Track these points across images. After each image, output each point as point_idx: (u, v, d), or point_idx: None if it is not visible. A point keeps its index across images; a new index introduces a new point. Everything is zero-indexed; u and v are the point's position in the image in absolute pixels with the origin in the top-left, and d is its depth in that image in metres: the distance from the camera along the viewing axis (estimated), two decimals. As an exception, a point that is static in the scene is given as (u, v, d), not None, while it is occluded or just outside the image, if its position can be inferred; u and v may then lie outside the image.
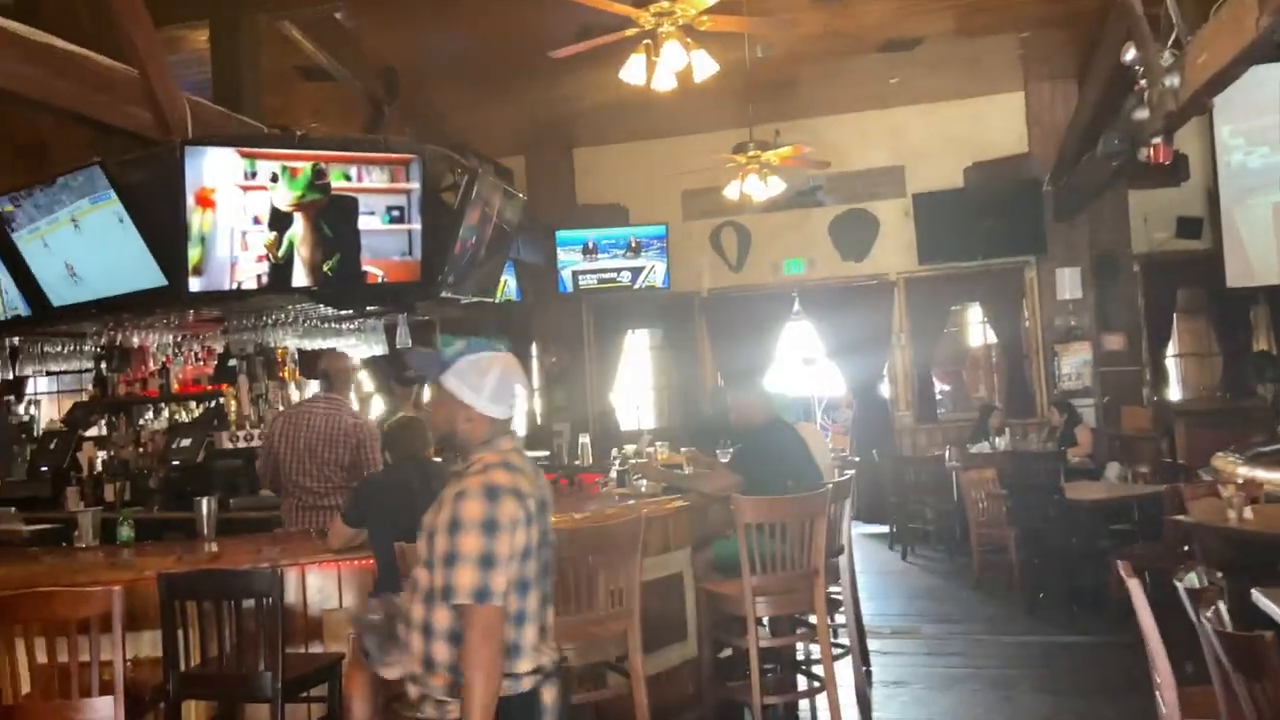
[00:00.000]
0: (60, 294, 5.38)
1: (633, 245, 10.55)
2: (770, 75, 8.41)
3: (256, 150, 4.92)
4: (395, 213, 5.05)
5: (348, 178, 4.89)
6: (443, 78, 8.70)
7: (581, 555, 3.49)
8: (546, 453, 8.38)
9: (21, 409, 6.97)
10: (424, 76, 8.44)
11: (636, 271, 10.50)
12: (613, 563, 3.59)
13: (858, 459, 7.74)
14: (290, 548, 3.63)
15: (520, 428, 3.53)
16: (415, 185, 5.06)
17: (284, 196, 4.86)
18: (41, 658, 3.03)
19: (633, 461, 5.50)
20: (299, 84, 8.36)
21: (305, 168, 4.76)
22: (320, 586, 3.66)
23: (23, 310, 5.62)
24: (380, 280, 5.06)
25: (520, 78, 8.65)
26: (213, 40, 5.84)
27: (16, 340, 6.32)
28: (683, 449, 6.24)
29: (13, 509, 4.32)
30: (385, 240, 5.03)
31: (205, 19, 5.97)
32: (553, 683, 2.25)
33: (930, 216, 9.81)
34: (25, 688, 3.05)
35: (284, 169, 4.84)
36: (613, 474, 5.36)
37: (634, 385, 11.42)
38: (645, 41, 5.27)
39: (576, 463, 6.71)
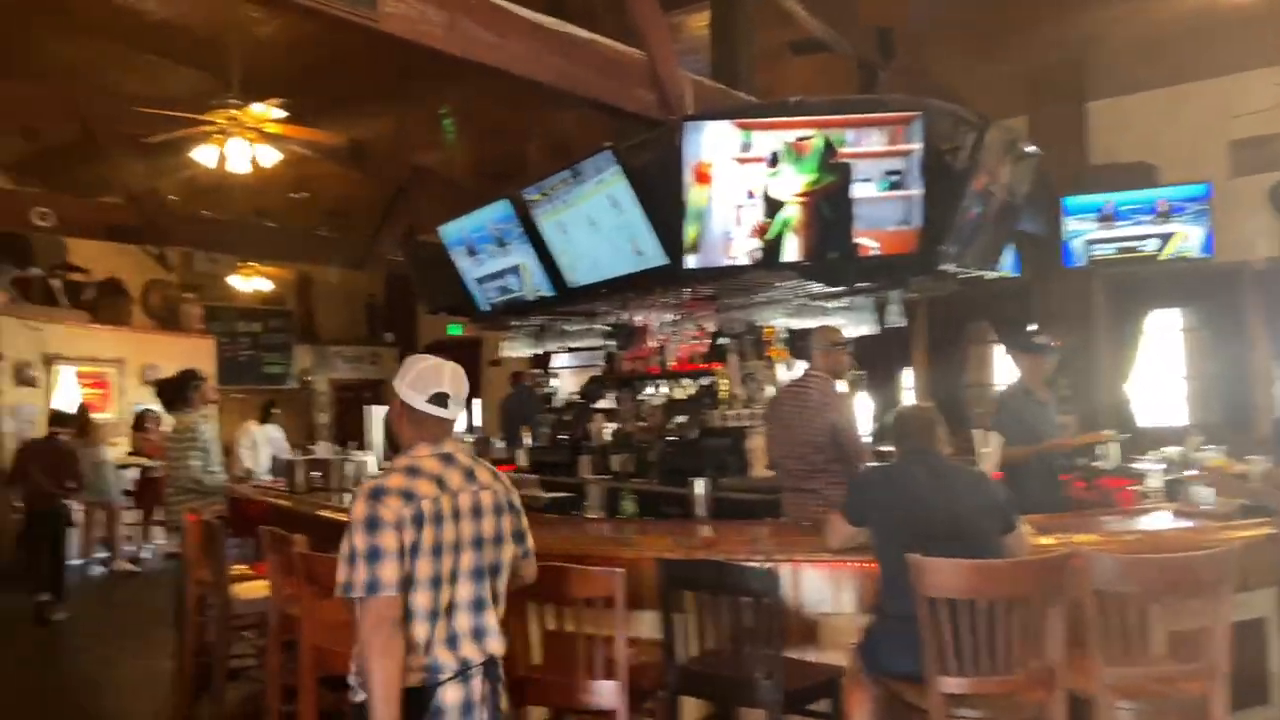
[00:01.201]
0: (576, 275, 5.77)
1: (1160, 209, 8.89)
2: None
3: (753, 121, 4.77)
4: (893, 178, 4.59)
5: (843, 143, 4.54)
6: (934, 38, 8.01)
7: (1136, 587, 2.74)
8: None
9: (545, 382, 7.74)
10: (915, 37, 7.84)
11: (1164, 239, 8.85)
12: (1184, 602, 2.78)
13: None
14: (785, 540, 3.36)
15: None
16: (917, 146, 4.56)
17: (789, 184, 4.65)
18: (552, 625, 3.08)
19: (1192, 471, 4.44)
20: (788, 61, 8.23)
21: (813, 143, 4.49)
22: (817, 587, 3.34)
23: (547, 291, 6.15)
24: (874, 253, 4.65)
25: (1020, 27, 7.66)
26: (713, 17, 5.85)
27: (542, 319, 6.95)
28: (1249, 457, 4.94)
29: (535, 476, 4.64)
30: (881, 209, 4.61)
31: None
32: (458, 685, 2.30)
33: None
34: (536, 654, 3.13)
35: (787, 148, 4.63)
36: (1154, 481, 4.37)
37: (1155, 374, 9.68)
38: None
39: (1097, 464, 5.68)
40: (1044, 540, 3.24)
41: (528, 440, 6.97)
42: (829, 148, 4.53)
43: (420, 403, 2.42)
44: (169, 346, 12.02)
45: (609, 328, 6.80)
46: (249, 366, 14.30)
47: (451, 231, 6.65)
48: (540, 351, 7.57)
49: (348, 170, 10.16)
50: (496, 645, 2.41)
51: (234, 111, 6.75)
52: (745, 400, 5.46)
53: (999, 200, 4.99)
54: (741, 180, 4.80)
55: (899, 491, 3.00)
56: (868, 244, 4.61)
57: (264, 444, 10.27)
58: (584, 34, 4.57)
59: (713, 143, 4.77)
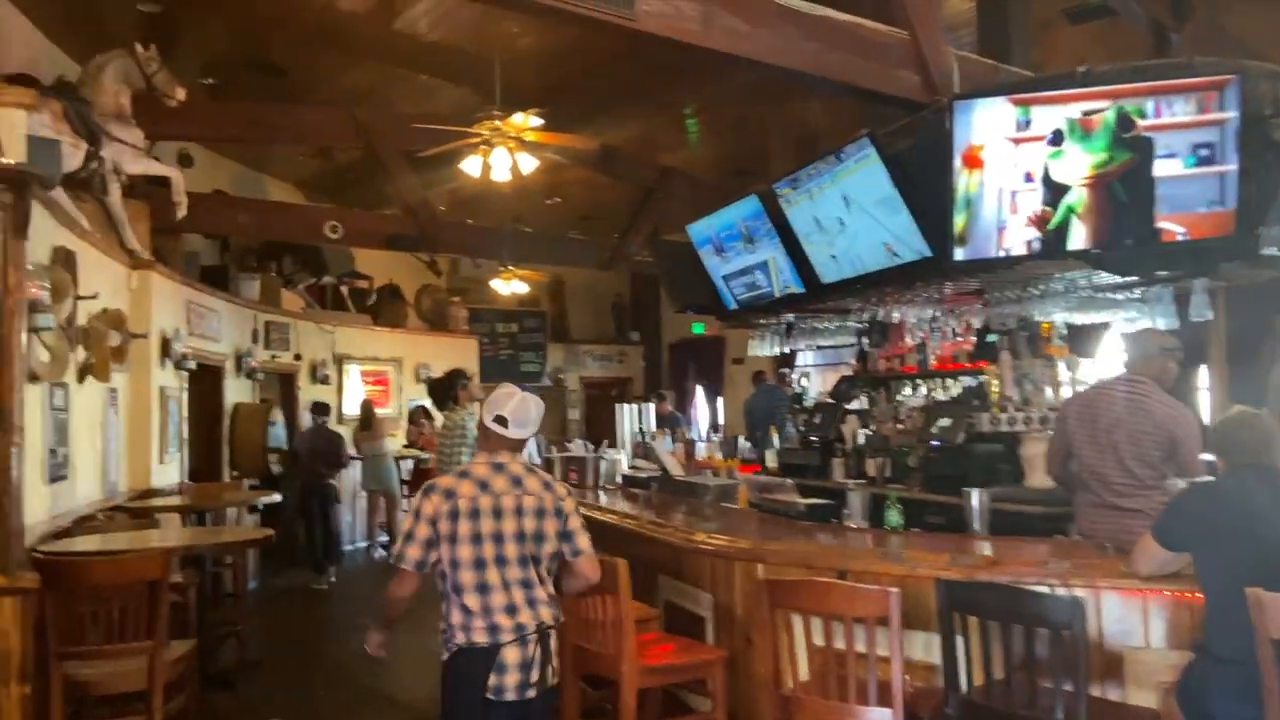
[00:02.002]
0: (828, 271, 5.55)
1: None
2: None
3: (1032, 96, 4.36)
4: (1203, 152, 4.03)
5: (1142, 115, 4.03)
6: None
7: None
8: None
9: (794, 381, 7.56)
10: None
11: None
12: None
13: None
14: (1081, 563, 2.99)
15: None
16: (1231, 114, 3.97)
17: (1075, 165, 4.21)
18: (820, 639, 2.92)
19: None
20: (1063, 31, 7.55)
21: (1104, 116, 4.03)
22: (1120, 617, 2.95)
23: (796, 288, 5.97)
24: (1180, 238, 4.10)
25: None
26: (981, -13, 5.43)
27: (791, 317, 6.77)
28: None
29: (789, 481, 4.48)
30: (1188, 188, 4.06)
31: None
32: (516, 647, 2.78)
33: None
34: (803, 671, 2.98)
35: (1072, 124, 4.19)
36: None
37: None
38: None
39: None
40: None
41: (775, 441, 6.80)
42: (1124, 121, 4.04)
43: (488, 421, 2.98)
44: (438, 347, 12.93)
45: (862, 325, 6.51)
46: (507, 365, 15.11)
47: (699, 229, 6.63)
48: (787, 350, 7.39)
49: (598, 174, 10.44)
50: (547, 615, 2.89)
51: (497, 122, 7.08)
52: (1020, 403, 5.00)
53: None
54: (1018, 163, 4.41)
55: (1232, 514, 2.57)
56: (1172, 229, 4.08)
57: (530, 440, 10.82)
58: (841, 16, 4.36)
59: (984, 123, 4.41)
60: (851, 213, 5.10)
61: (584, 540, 3.00)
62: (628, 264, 11.82)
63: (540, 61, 7.77)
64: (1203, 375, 9.11)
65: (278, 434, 9.20)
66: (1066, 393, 5.01)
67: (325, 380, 11.03)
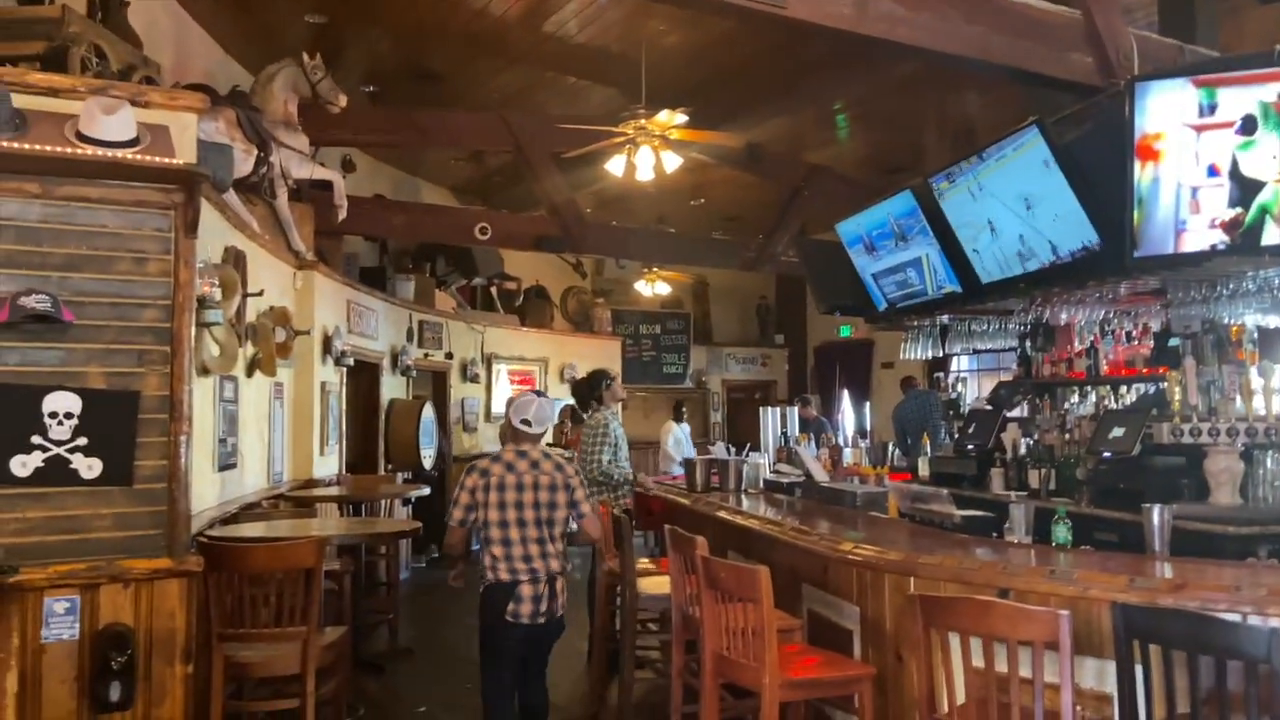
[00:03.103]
0: (989, 269, 5.25)
1: None
2: None
3: (1219, 76, 3.97)
4: None
5: (1360, 92, 3.59)
6: None
7: None
8: None
9: (949, 385, 7.19)
10: None
11: None
12: None
13: None
14: (1278, 590, 2.66)
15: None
16: None
17: (1270, 157, 3.79)
18: (977, 661, 2.71)
19: None
20: (1251, 13, 6.91)
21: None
22: (1327, 654, 2.60)
23: (953, 287, 5.67)
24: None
25: None
26: (1161, -38, 5.00)
27: (946, 318, 6.45)
28: None
29: (945, 491, 4.23)
30: None
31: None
32: (530, 584, 3.74)
33: None
34: (960, 695, 2.77)
35: (1267, 109, 3.77)
36: None
37: None
38: None
39: None
40: None
41: (928, 449, 6.49)
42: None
43: (516, 422, 3.90)
44: (582, 347, 13.10)
45: (1025, 327, 6.12)
46: (650, 367, 15.16)
47: (849, 228, 6.41)
48: (941, 354, 7.05)
49: (742, 174, 10.31)
50: (555, 565, 3.81)
51: (642, 121, 7.06)
52: (1204, 413, 4.56)
53: None
54: (1200, 153, 4.01)
55: None
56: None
57: (685, 440, 10.82)
58: (1007, -3, 4.09)
59: (1162, 108, 4.03)
60: (1016, 207, 4.80)
61: (586, 507, 3.91)
62: (772, 265, 11.63)
63: (686, 59, 7.71)
64: None
65: (430, 429, 9.49)
66: (1259, 403, 4.54)
67: (475, 379, 11.33)
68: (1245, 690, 2.35)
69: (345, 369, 7.80)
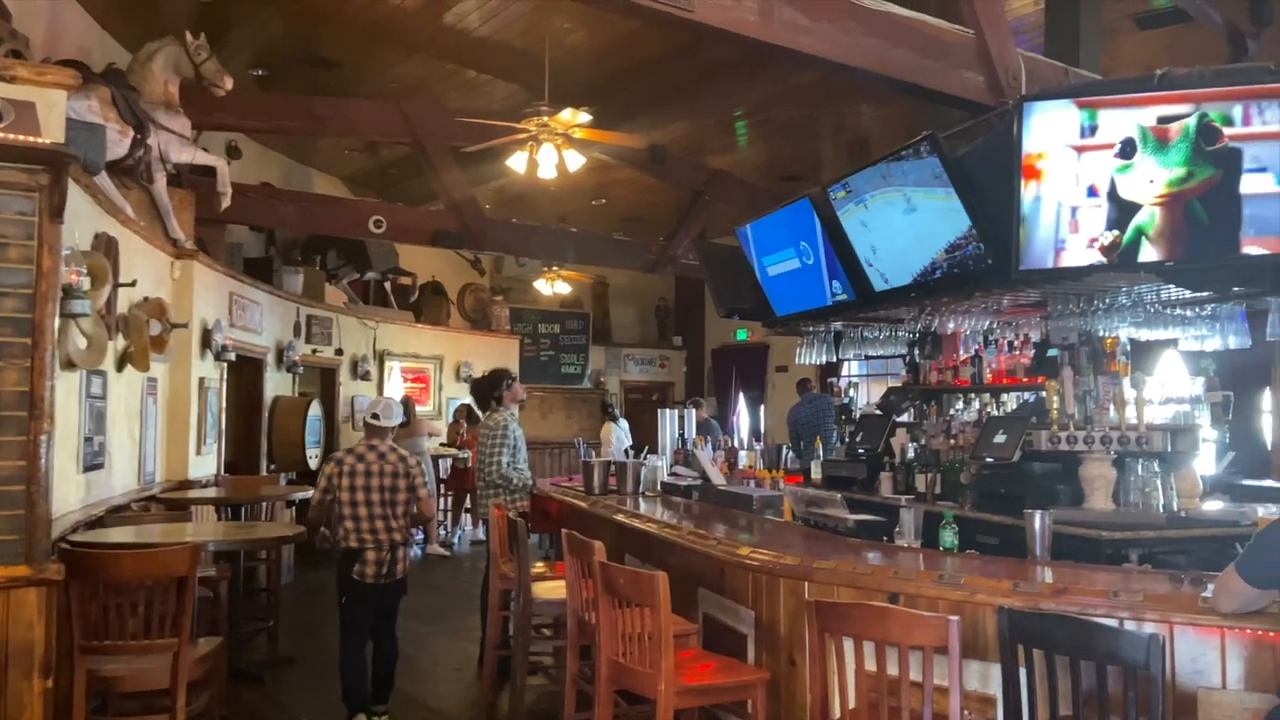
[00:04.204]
0: (881, 278, 5.35)
1: None
2: None
3: (1100, 99, 4.12)
4: (1302, 166, 3.73)
5: (1229, 121, 3.77)
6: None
7: None
8: None
9: (842, 391, 7.35)
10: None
11: None
12: None
13: None
14: (1156, 597, 2.78)
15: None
16: (1328, 123, 3.70)
17: (1148, 180, 3.93)
18: (869, 665, 2.74)
19: None
20: (1130, 38, 7.29)
21: (1184, 124, 3.76)
22: (1195, 656, 2.74)
23: (847, 295, 5.77)
24: (1259, 253, 3.84)
25: None
26: (1049, -13, 5.20)
27: (839, 325, 6.57)
28: None
29: (839, 495, 4.30)
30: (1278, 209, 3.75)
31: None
32: (374, 549, 4.61)
33: None
34: (851, 699, 2.80)
35: (1146, 133, 3.92)
36: None
37: None
38: None
39: None
40: None
41: (820, 452, 6.61)
42: (1207, 130, 3.76)
43: (367, 418, 4.78)
44: (479, 345, 12.90)
45: (914, 335, 6.29)
46: (548, 366, 15.04)
47: (749, 233, 6.46)
48: (834, 359, 7.18)
49: (645, 175, 10.33)
50: (398, 536, 4.68)
51: (544, 118, 6.98)
52: (1080, 421, 4.76)
53: None
54: (1080, 174, 4.14)
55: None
56: (1258, 252, 3.80)
57: (628, 438, 10.62)
58: (906, 13, 4.17)
59: (1045, 128, 4.15)
60: (908, 219, 4.91)
61: (423, 492, 4.77)
62: (673, 267, 11.69)
63: (591, 58, 7.66)
64: (1267, 398, 8.76)
65: (316, 428, 9.17)
66: (1131, 412, 4.77)
67: (366, 376, 11.02)
68: (1125, 694, 2.45)
69: (226, 364, 7.47)
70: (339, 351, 10.56)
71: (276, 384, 9.05)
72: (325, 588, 8.12)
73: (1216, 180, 3.77)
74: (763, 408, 14.05)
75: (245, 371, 8.32)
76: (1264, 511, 4.29)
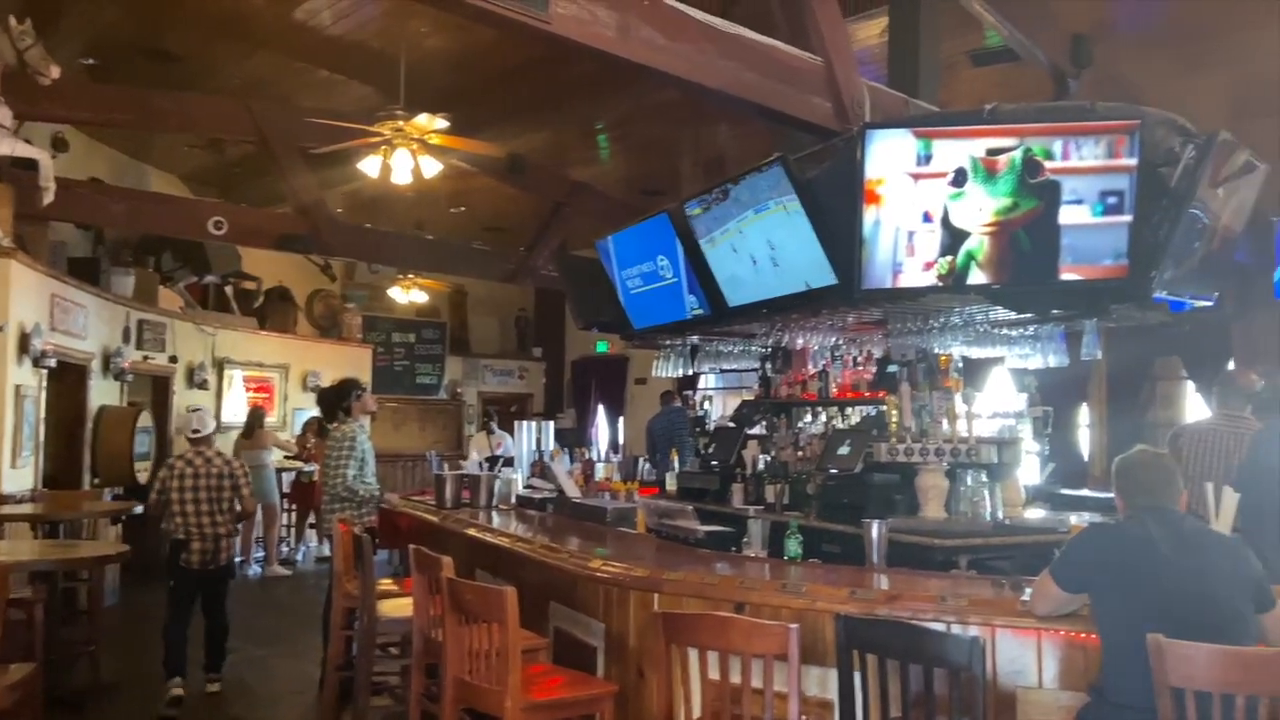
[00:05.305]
0: (735, 294, 5.47)
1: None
2: None
3: (935, 130, 4.35)
4: (1111, 200, 4.00)
5: (1050, 155, 4.04)
6: (1132, 43, 7.34)
7: None
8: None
9: (697, 403, 7.49)
10: (1111, 44, 7.20)
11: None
12: None
13: None
14: (980, 601, 2.94)
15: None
16: (1133, 161, 4.02)
17: (977, 209, 4.16)
18: (713, 674, 2.79)
19: None
20: (965, 74, 7.74)
21: (1011, 157, 4.00)
22: (1014, 657, 2.91)
23: (703, 310, 5.88)
24: (1075, 279, 4.13)
25: (1230, 31, 6.92)
26: (892, 21, 5.46)
27: (696, 338, 6.68)
28: None
29: (690, 507, 4.36)
30: (1095, 239, 4.01)
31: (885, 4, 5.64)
32: (199, 539, 5.39)
33: None
34: (696, 707, 2.84)
35: (976, 163, 4.15)
36: None
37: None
38: None
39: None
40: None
41: (675, 464, 6.71)
42: (1031, 165, 4.02)
43: (188, 433, 5.61)
44: (329, 354, 12.44)
45: (766, 350, 6.47)
46: (403, 376, 14.67)
47: (607, 246, 6.48)
48: (691, 372, 7.31)
49: (504, 185, 10.23)
50: (222, 529, 5.46)
51: (399, 122, 6.82)
52: (916, 434, 5.01)
53: (1221, 223, 4.41)
54: (917, 200, 4.36)
55: (1133, 556, 2.54)
56: (1074, 279, 4.09)
57: (511, 448, 10.22)
58: (759, 38, 4.31)
59: (885, 155, 4.35)
60: (759, 237, 5.04)
61: (245, 491, 5.57)
62: (533, 278, 11.63)
63: (448, 64, 7.54)
64: (1083, 413, 9.46)
65: (145, 441, 8.62)
66: (962, 426, 5.04)
67: (203, 385, 10.44)
68: (950, 695, 2.58)
69: (46, 371, 6.93)
70: (173, 359, 9.97)
71: (102, 392, 8.46)
72: (154, 609, 7.66)
73: (1039, 212, 4.03)
74: (622, 419, 14.24)
75: (67, 379, 7.75)
76: (1076, 519, 4.61)
